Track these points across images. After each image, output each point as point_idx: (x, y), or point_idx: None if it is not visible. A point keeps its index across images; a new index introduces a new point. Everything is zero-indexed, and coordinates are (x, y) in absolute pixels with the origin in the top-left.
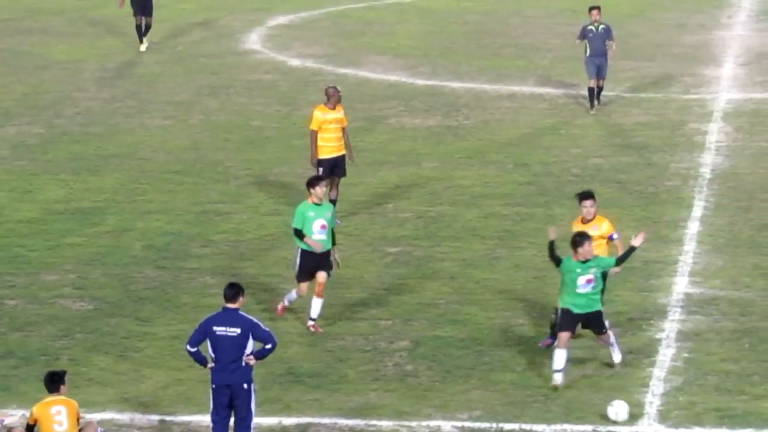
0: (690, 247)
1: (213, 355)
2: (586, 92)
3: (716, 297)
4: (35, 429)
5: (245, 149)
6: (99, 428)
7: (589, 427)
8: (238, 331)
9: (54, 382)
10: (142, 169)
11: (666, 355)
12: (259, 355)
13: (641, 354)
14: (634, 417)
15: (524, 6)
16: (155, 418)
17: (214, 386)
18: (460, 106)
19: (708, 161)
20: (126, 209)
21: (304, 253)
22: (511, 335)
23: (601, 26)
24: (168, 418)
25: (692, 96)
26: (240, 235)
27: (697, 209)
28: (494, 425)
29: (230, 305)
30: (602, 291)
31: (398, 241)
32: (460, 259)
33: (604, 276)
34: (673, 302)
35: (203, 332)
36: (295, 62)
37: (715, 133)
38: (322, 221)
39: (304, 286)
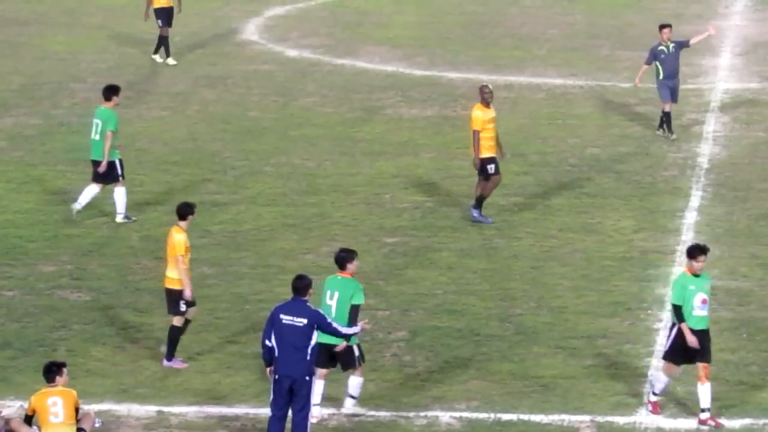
0: (688, 237)
1: (276, 345)
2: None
3: (714, 287)
4: (33, 419)
5: (243, 140)
6: (96, 419)
7: (587, 417)
8: (305, 321)
9: (51, 372)
10: (140, 160)
11: (664, 345)
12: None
13: (639, 344)
14: (632, 407)
15: None
16: (153, 409)
17: (276, 377)
18: (458, 96)
19: (705, 151)
20: None
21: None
22: (508, 325)
23: (672, 45)
24: (166, 409)
25: (689, 86)
26: (237, 225)
27: (695, 199)
28: (492, 416)
29: (300, 297)
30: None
31: (396, 231)
32: (457, 249)
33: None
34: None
35: (272, 321)
36: (292, 53)
37: (712, 123)
38: (703, 295)
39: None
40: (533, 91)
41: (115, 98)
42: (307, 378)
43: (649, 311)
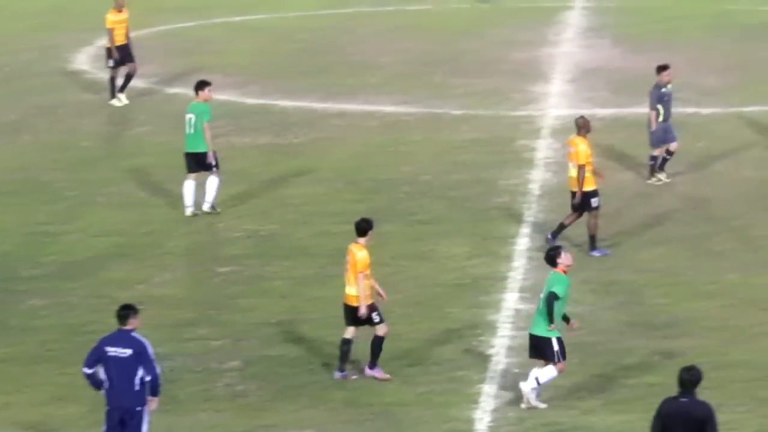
0: (519, 263)
1: (106, 377)
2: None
3: None
4: None
5: (75, 170)
6: None
7: None
8: (130, 352)
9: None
10: None
11: (496, 372)
12: (154, 393)
13: (471, 370)
14: None
15: (355, 24)
16: None
17: (107, 408)
18: (290, 125)
19: (537, 177)
20: None
21: None
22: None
23: (670, 86)
24: None
25: (521, 113)
26: (69, 256)
27: (526, 225)
28: None
29: (123, 327)
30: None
31: (229, 260)
32: (291, 277)
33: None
34: (503, 318)
35: (97, 353)
36: None
37: (543, 149)
38: None
39: None
40: (366, 118)
41: (202, 92)
42: (138, 409)
43: (482, 337)
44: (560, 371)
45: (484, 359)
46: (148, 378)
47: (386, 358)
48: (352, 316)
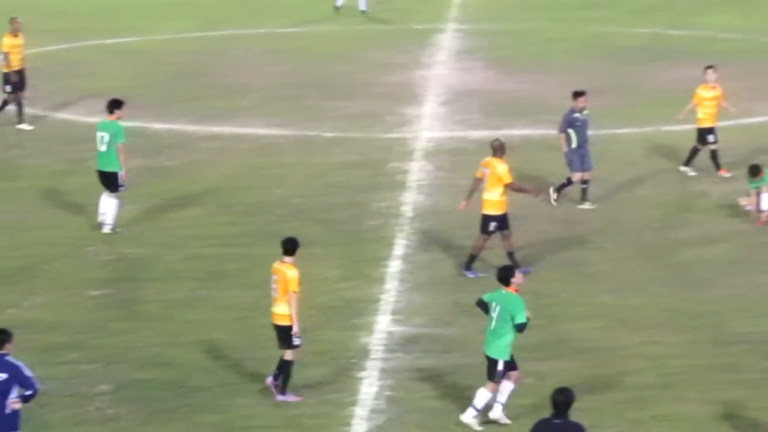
0: (392, 285)
1: None
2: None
3: (418, 335)
4: None
5: None
6: None
7: None
8: (5, 376)
9: None
10: None
11: (368, 394)
12: (24, 399)
13: (344, 393)
14: None
15: (227, 46)
16: None
17: None
18: (164, 147)
19: (410, 200)
20: None
21: None
22: (214, 376)
23: (586, 112)
24: None
25: (394, 135)
26: None
27: (399, 248)
28: None
29: None
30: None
31: (100, 284)
32: (163, 300)
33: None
34: (376, 341)
35: None
36: None
37: (416, 171)
38: None
39: None
40: (239, 141)
41: (118, 111)
42: None
43: (353, 360)
44: (492, 391)
45: (355, 382)
46: (29, 392)
47: (258, 381)
48: (283, 335)
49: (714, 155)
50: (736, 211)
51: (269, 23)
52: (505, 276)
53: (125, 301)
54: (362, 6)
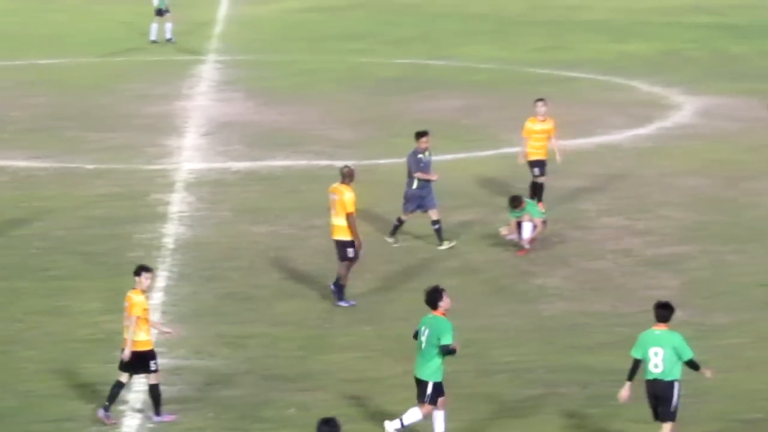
0: (154, 317)
1: None
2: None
3: (181, 367)
4: None
5: None
6: None
7: None
8: None
9: None
10: None
11: (131, 427)
12: None
13: (106, 426)
14: None
15: None
16: None
17: None
18: None
19: (171, 231)
20: None
21: None
22: None
23: (428, 153)
24: None
25: (155, 167)
26: None
27: (161, 279)
28: None
29: None
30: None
31: None
32: None
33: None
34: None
35: None
36: None
37: (177, 203)
38: None
39: None
40: None
41: None
42: None
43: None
44: (425, 414)
45: (118, 414)
46: None
47: (19, 416)
48: (141, 363)
49: (535, 187)
50: (497, 240)
51: (26, 55)
52: (433, 299)
53: None
54: (168, 35)
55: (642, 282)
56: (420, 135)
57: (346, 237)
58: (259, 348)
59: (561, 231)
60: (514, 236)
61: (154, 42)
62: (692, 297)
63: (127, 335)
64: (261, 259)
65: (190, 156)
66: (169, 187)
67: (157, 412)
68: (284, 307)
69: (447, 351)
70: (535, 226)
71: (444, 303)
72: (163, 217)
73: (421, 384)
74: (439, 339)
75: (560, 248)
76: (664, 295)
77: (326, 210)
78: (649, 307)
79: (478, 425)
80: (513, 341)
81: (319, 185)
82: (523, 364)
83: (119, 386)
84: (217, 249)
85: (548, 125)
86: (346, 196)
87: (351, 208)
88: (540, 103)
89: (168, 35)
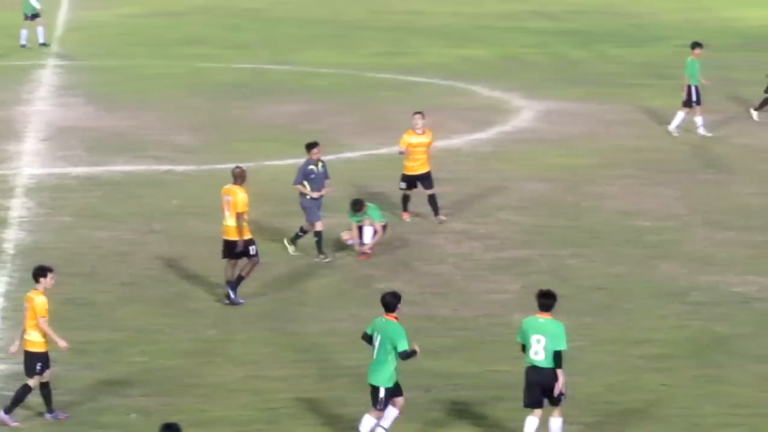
0: None
1: None
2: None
3: (20, 372)
4: None
5: None
6: None
7: None
8: None
9: None
10: None
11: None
12: None
13: None
14: None
15: None
16: None
17: None
18: None
19: (11, 237)
20: None
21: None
22: None
23: (321, 164)
24: None
25: None
26: None
27: (1, 285)
28: None
29: None
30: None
31: None
32: None
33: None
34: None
35: None
36: None
37: (17, 208)
38: None
39: None
40: None
41: None
42: None
43: None
44: (377, 418)
45: None
46: None
47: None
48: (29, 363)
49: (406, 199)
50: (339, 245)
51: None
52: (391, 303)
53: None
54: (41, 39)
55: (483, 286)
56: (311, 146)
57: (237, 237)
58: (101, 353)
59: (402, 235)
60: (355, 241)
61: (23, 46)
62: (532, 301)
63: (27, 336)
64: (102, 264)
65: (29, 161)
66: (9, 192)
67: (7, 411)
68: (126, 312)
69: (407, 356)
70: (376, 231)
71: (401, 307)
72: (3, 223)
73: (374, 390)
74: (394, 346)
75: (402, 252)
76: (504, 299)
77: (219, 211)
78: (490, 311)
79: (320, 430)
80: (355, 346)
81: (159, 190)
82: (365, 368)
83: (27, 390)
84: (58, 254)
85: (426, 138)
86: (239, 197)
87: (243, 208)
88: (418, 116)
89: (41, 39)
